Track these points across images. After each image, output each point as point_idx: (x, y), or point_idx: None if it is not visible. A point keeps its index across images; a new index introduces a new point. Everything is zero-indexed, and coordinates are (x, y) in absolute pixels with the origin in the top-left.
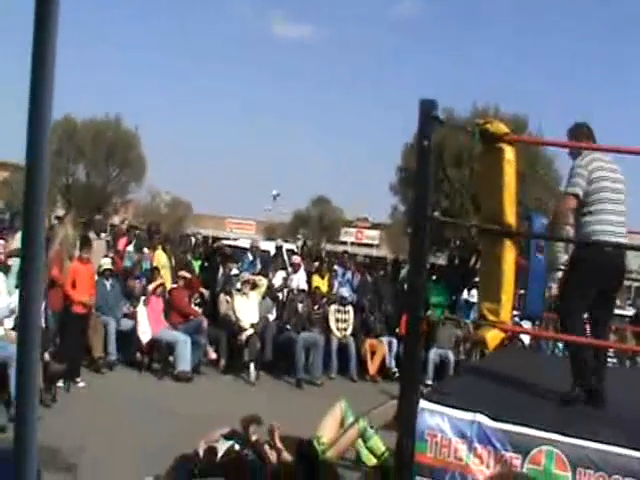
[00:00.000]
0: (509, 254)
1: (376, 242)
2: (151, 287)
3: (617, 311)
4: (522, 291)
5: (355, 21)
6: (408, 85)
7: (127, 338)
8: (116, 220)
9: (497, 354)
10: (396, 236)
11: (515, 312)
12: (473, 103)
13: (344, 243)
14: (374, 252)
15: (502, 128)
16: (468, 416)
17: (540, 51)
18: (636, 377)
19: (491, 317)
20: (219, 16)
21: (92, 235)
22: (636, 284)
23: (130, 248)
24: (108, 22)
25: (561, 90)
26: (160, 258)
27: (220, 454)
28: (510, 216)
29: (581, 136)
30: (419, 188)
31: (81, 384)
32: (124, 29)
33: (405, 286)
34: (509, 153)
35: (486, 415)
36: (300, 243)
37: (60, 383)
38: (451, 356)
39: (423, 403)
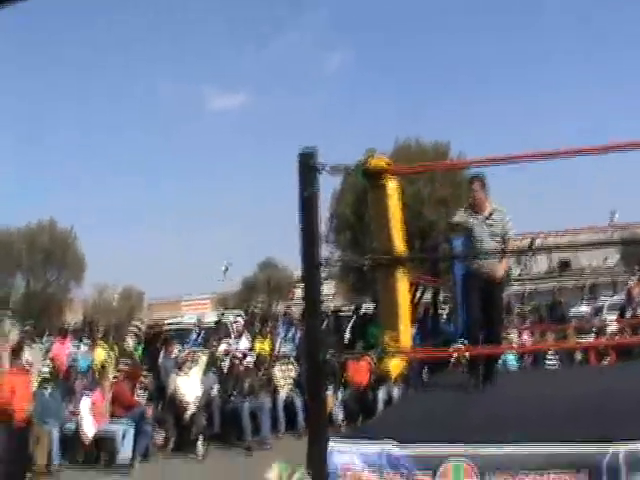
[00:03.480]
0: (402, 284)
1: (332, 292)
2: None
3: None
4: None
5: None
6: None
7: (72, 440)
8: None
9: (433, 381)
10: (348, 284)
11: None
12: (395, 138)
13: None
14: (331, 304)
15: (381, 163)
16: (376, 447)
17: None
18: (539, 377)
19: (393, 345)
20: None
21: (27, 345)
22: (590, 281)
23: (73, 348)
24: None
25: (480, 113)
26: (100, 355)
27: None
28: (399, 246)
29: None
30: (306, 236)
31: None
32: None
33: (348, 335)
34: (391, 186)
35: (394, 442)
36: (245, 309)
37: None
38: (395, 392)
39: (332, 443)
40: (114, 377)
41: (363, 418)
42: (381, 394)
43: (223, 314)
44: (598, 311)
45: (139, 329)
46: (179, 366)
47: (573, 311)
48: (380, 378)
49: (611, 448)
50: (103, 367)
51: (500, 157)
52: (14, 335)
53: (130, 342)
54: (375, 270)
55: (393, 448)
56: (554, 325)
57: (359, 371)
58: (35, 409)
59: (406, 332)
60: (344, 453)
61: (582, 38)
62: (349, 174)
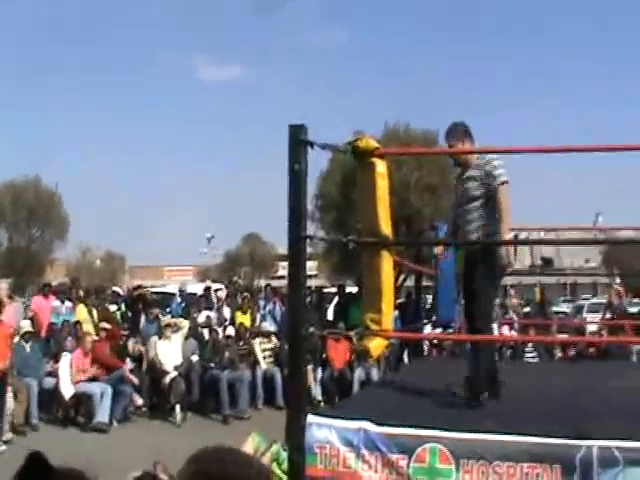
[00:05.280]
0: (387, 264)
1: (314, 272)
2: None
3: (555, 308)
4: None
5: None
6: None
7: (51, 396)
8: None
9: (411, 366)
10: (331, 264)
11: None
12: (385, 123)
13: (282, 277)
14: (313, 282)
15: (372, 143)
16: (354, 425)
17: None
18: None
19: (374, 326)
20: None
21: (6, 299)
22: (570, 280)
23: (56, 303)
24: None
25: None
26: (81, 312)
27: None
28: (386, 227)
29: (460, 135)
30: (293, 209)
31: (2, 447)
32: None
33: (331, 313)
34: (380, 167)
35: (371, 422)
36: (227, 281)
37: None
38: (374, 373)
39: (310, 417)
40: (95, 337)
41: (340, 399)
42: (359, 375)
43: (210, 287)
44: (578, 311)
45: (120, 292)
46: (161, 330)
47: (554, 309)
48: (359, 358)
49: (585, 443)
50: (78, 323)
51: (496, 148)
52: (2, 288)
53: (111, 304)
54: (360, 250)
55: (371, 427)
56: (538, 320)
57: (338, 352)
58: (14, 363)
59: (388, 313)
60: (322, 428)
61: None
62: (339, 152)
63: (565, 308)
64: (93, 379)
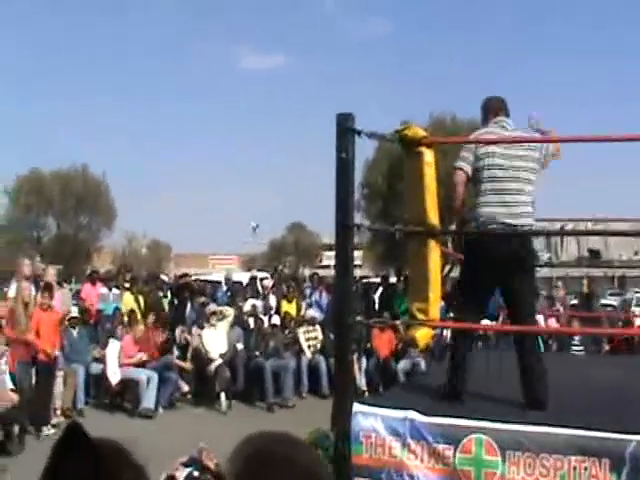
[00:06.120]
0: (434, 254)
1: (358, 262)
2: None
3: (602, 301)
4: None
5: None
6: (370, 101)
7: (97, 382)
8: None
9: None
10: (375, 254)
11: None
12: (430, 113)
13: (327, 267)
14: (357, 272)
15: (419, 132)
16: (400, 414)
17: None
18: (565, 362)
19: (421, 316)
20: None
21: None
22: (618, 273)
23: (103, 290)
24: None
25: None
26: (128, 301)
27: None
28: (433, 217)
29: (492, 109)
30: (341, 198)
31: (52, 431)
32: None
33: (376, 302)
34: (428, 156)
35: (418, 411)
36: (272, 270)
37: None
38: (422, 364)
39: (356, 406)
40: (142, 324)
41: (384, 389)
42: (404, 365)
43: (256, 276)
44: (627, 304)
45: (166, 280)
46: (207, 318)
47: (602, 302)
48: (405, 348)
49: (635, 438)
50: (132, 312)
51: (549, 137)
52: (51, 274)
53: (158, 292)
54: (407, 239)
55: (417, 417)
56: (584, 312)
57: (383, 341)
58: (63, 348)
59: (435, 303)
60: (368, 417)
61: None
62: (387, 140)
63: (612, 301)
64: (140, 365)
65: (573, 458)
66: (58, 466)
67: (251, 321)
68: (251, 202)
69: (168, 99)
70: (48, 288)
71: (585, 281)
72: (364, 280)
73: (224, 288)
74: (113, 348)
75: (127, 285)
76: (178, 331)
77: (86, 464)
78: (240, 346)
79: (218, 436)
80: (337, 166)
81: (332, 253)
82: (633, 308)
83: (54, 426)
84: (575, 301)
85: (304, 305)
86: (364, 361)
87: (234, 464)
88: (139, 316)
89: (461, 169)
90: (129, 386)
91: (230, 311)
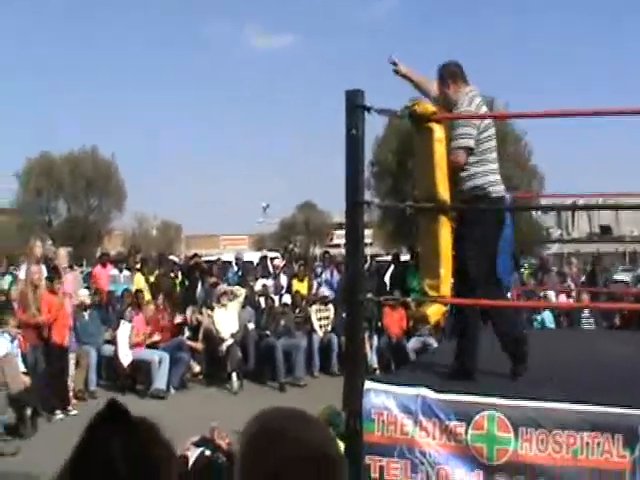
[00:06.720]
0: (445, 230)
1: (369, 240)
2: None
3: (615, 277)
4: None
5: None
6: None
7: (109, 363)
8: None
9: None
10: (386, 232)
11: None
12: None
13: (337, 246)
14: (368, 250)
15: (429, 108)
16: (412, 391)
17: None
18: (569, 337)
19: (432, 292)
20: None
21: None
22: (630, 249)
23: (114, 272)
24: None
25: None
26: (138, 281)
27: (192, 461)
28: (443, 193)
29: (458, 75)
30: (351, 175)
31: (63, 415)
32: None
33: (387, 281)
34: (438, 132)
35: (429, 388)
36: (283, 249)
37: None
38: (433, 342)
39: (368, 384)
40: (152, 304)
41: (396, 367)
42: (415, 343)
43: (266, 256)
44: (639, 279)
45: (176, 261)
46: (218, 298)
47: (614, 277)
48: (416, 324)
49: None
50: (139, 292)
51: (554, 111)
52: (63, 256)
53: (170, 274)
54: (417, 216)
55: (429, 394)
56: (594, 288)
57: (394, 320)
58: (75, 331)
59: (446, 280)
60: (379, 395)
61: None
62: (397, 117)
63: (624, 277)
64: (151, 346)
65: (586, 434)
66: (95, 438)
67: (262, 301)
68: (261, 183)
69: (176, 78)
70: (56, 271)
71: (595, 257)
72: (377, 259)
73: (234, 268)
74: (124, 330)
75: (138, 266)
76: (189, 311)
77: (124, 438)
78: (251, 326)
79: (230, 416)
80: (346, 143)
81: (343, 232)
82: None
83: (65, 408)
84: (583, 278)
85: (315, 284)
86: (375, 339)
87: (243, 440)
88: (149, 296)
89: (469, 148)
90: (141, 367)
91: (241, 291)
